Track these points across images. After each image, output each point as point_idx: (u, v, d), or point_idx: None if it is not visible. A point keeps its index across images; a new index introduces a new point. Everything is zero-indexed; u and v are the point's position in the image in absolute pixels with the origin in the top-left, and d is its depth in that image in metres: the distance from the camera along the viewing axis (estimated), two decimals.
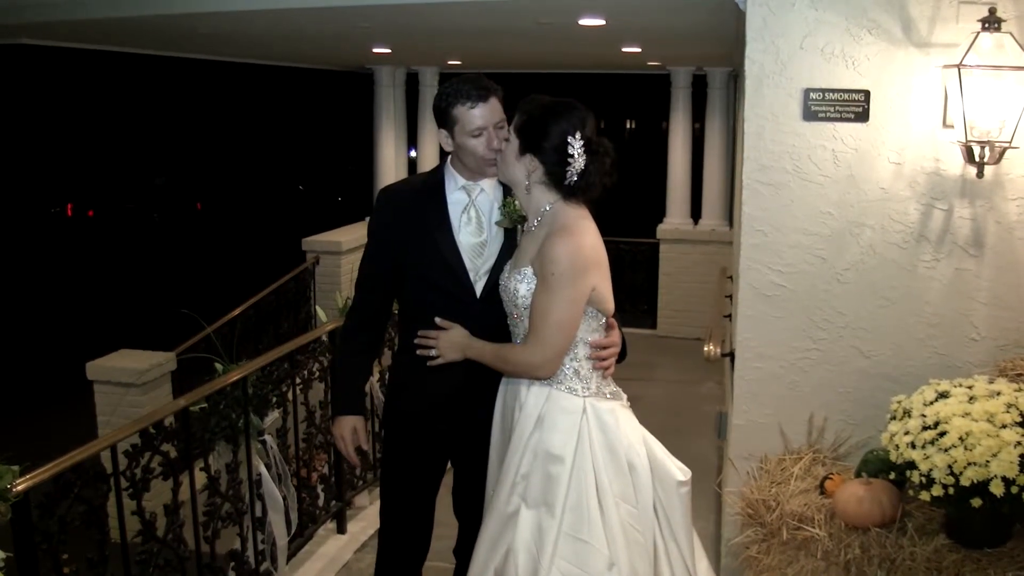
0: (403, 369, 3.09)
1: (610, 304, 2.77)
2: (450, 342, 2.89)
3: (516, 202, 2.87)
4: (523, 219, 2.83)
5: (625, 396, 2.85)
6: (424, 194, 3.00)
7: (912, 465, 2.67)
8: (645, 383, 8.11)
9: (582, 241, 2.64)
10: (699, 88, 10.39)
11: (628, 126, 26.29)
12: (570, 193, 2.68)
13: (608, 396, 2.76)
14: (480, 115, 2.84)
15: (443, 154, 3.04)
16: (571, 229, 2.64)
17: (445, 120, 2.89)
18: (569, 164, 2.63)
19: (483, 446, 2.95)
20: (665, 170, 10.63)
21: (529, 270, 2.69)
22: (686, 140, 10.46)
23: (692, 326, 9.61)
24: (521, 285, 2.70)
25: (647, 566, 2.69)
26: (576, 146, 2.62)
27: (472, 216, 2.95)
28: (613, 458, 2.68)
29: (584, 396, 2.71)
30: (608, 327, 2.81)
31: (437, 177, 3.01)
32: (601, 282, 2.70)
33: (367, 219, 3.12)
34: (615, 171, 2.70)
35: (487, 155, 2.85)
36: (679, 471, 2.78)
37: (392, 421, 3.12)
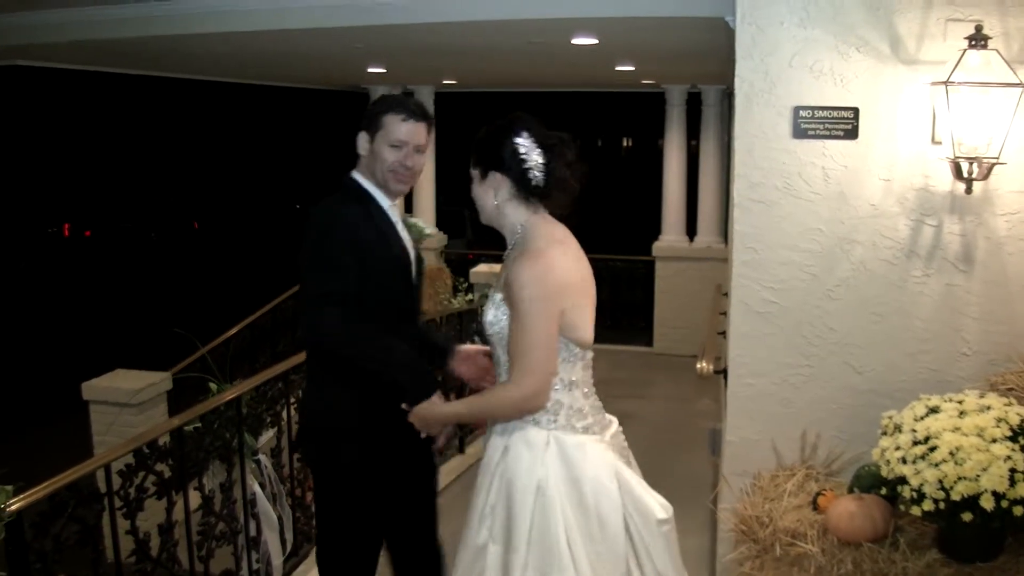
0: (348, 407, 2.95)
1: (585, 334, 2.65)
2: (424, 420, 2.82)
3: (419, 221, 2.96)
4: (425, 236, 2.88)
5: (611, 429, 2.75)
6: (364, 208, 2.95)
7: (903, 480, 2.67)
8: (641, 400, 8.11)
9: (550, 262, 2.57)
10: (694, 106, 10.44)
11: (625, 144, 26.40)
12: (543, 196, 2.64)
13: (580, 430, 2.65)
14: (407, 131, 2.88)
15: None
16: (539, 251, 2.58)
17: (371, 124, 2.90)
18: (526, 164, 2.60)
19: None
20: (661, 187, 10.66)
21: (499, 296, 2.63)
22: (681, 158, 10.50)
23: (688, 343, 9.60)
24: (489, 311, 2.65)
25: None
26: (527, 144, 2.60)
27: (402, 227, 3.00)
28: (577, 494, 2.57)
29: (549, 429, 2.63)
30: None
31: (361, 192, 2.95)
32: (573, 308, 2.60)
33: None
34: (580, 162, 2.66)
35: (397, 168, 2.88)
36: (660, 508, 2.65)
37: (353, 471, 2.98)
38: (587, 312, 2.66)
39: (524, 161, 2.60)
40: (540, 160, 2.60)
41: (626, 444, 2.82)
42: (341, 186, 3.00)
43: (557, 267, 2.57)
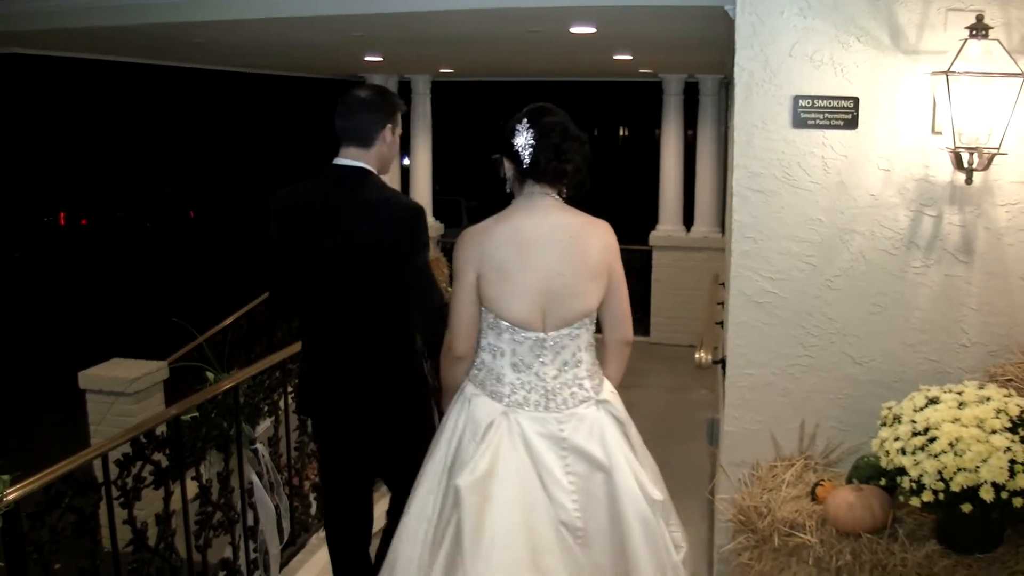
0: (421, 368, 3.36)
1: (504, 309, 2.81)
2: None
3: None
4: None
5: (542, 414, 2.80)
6: None
7: (902, 471, 2.68)
8: (638, 390, 8.11)
9: (467, 235, 2.85)
10: (691, 95, 10.42)
11: (621, 133, 26.38)
12: (532, 176, 2.80)
13: (488, 393, 2.84)
14: None
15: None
16: (483, 222, 2.85)
17: (394, 118, 3.18)
18: (515, 147, 2.80)
19: None
20: (658, 177, 10.64)
21: None
22: (678, 147, 10.48)
23: (685, 333, 9.61)
24: None
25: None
26: (519, 128, 2.79)
27: None
28: (449, 435, 2.86)
29: (470, 380, 2.92)
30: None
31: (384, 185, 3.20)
32: (491, 282, 2.80)
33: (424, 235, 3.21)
34: (575, 145, 2.80)
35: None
36: (464, 476, 2.71)
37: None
38: (513, 289, 2.80)
39: (514, 145, 2.80)
40: (528, 143, 2.78)
41: (566, 436, 2.79)
42: (359, 177, 3.13)
43: (470, 239, 2.84)
